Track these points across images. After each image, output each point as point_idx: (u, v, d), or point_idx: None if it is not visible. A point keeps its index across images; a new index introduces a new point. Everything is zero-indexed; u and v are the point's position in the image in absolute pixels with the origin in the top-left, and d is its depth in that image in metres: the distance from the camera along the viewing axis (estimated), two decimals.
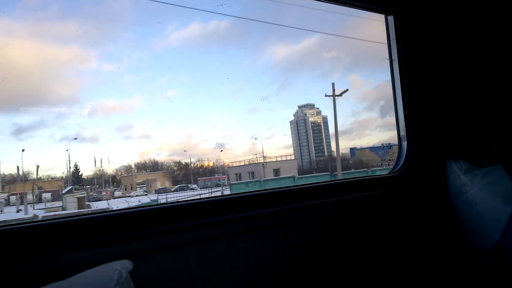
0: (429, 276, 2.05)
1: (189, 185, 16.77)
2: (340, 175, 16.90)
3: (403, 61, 2.15)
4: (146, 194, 15.54)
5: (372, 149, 19.26)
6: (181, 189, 16.13)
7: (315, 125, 21.62)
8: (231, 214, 1.60)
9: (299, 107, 21.96)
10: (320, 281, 1.75)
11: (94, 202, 13.94)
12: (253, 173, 16.60)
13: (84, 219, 1.33)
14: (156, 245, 1.43)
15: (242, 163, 17.03)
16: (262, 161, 16.82)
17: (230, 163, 17.72)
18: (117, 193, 15.57)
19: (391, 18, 2.28)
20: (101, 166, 15.22)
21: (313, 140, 21.26)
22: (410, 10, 2.22)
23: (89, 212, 1.45)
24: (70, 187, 12.87)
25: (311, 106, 21.94)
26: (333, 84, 16.49)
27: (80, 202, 12.45)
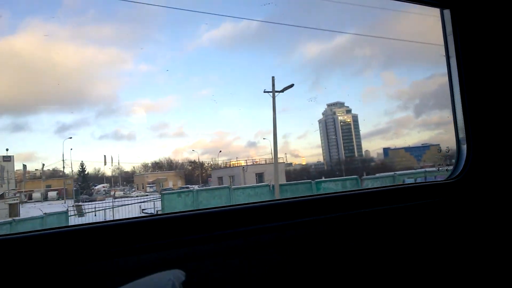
0: None
1: (189, 186, 16.14)
2: (277, 193, 13.65)
3: (462, 58, 2.03)
4: (147, 195, 15.39)
5: (408, 149, 19.10)
6: (181, 189, 15.61)
7: (345, 124, 21.22)
8: (282, 221, 1.56)
9: (328, 105, 21.61)
10: None
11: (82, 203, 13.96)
12: (233, 177, 15.30)
13: (134, 223, 1.35)
14: (208, 251, 1.41)
15: (250, 163, 15.84)
16: (263, 161, 15.24)
17: (227, 164, 16.81)
18: (118, 193, 15.59)
19: (447, 12, 2.16)
20: (118, 165, 15.60)
21: (342, 139, 20.85)
22: (467, 2, 2.09)
23: (138, 217, 1.48)
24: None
25: (341, 104, 21.55)
26: (272, 77, 14.56)
27: (12, 209, 11.61)
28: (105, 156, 14.48)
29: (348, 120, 21.35)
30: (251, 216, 1.53)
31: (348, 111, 21.38)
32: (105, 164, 14.97)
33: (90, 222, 1.37)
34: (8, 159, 11.24)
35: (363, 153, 20.79)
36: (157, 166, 17.61)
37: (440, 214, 1.90)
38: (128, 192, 16.13)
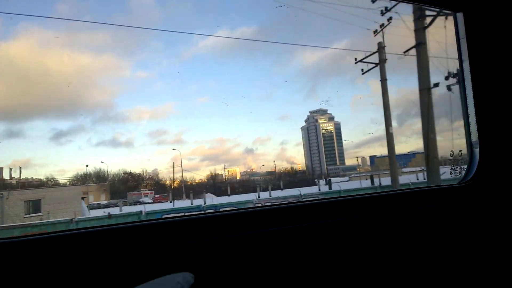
0: None
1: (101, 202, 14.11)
2: None
3: (475, 61, 2.02)
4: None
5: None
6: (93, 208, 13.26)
7: (326, 132, 21.34)
8: (294, 224, 1.56)
9: (311, 112, 21.61)
10: None
11: None
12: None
13: (143, 226, 1.37)
14: (217, 254, 1.41)
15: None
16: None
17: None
18: None
19: (460, 16, 2.09)
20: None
21: (324, 148, 20.95)
22: (481, 6, 2.04)
23: (148, 220, 1.68)
24: None
25: (323, 111, 21.60)
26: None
27: None
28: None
29: (330, 128, 21.47)
30: (261, 219, 1.54)
31: (331, 118, 21.40)
32: None
33: (100, 225, 1.38)
34: None
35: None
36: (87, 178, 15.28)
37: (452, 218, 1.87)
38: None
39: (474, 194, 1.96)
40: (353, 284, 1.63)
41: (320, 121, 21.50)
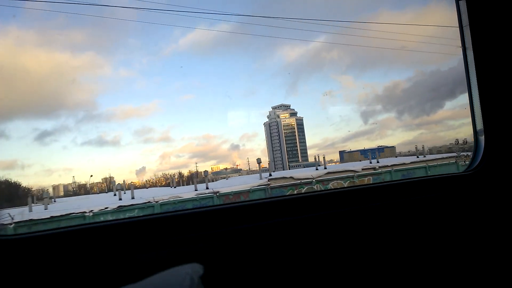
0: None
1: None
2: None
3: (479, 49, 2.03)
4: None
5: (363, 152, 20.08)
6: None
7: (288, 128, 21.40)
8: (302, 215, 1.58)
9: (273, 108, 21.51)
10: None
11: None
12: None
13: (151, 219, 1.40)
14: (226, 245, 1.44)
15: None
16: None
17: None
18: None
19: (463, 4, 2.08)
20: None
21: (286, 144, 21.04)
22: None
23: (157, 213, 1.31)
24: None
25: (285, 107, 21.60)
26: None
27: None
28: None
29: (292, 124, 21.56)
30: (269, 210, 1.56)
31: (293, 114, 21.44)
32: None
33: (109, 220, 1.74)
34: None
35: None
36: None
37: (457, 206, 1.88)
38: None
39: (479, 182, 1.96)
40: (356, 275, 1.64)
41: (282, 117, 21.51)
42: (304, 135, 20.93)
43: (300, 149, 21.00)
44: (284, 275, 1.51)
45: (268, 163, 20.35)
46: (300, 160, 20.64)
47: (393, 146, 19.27)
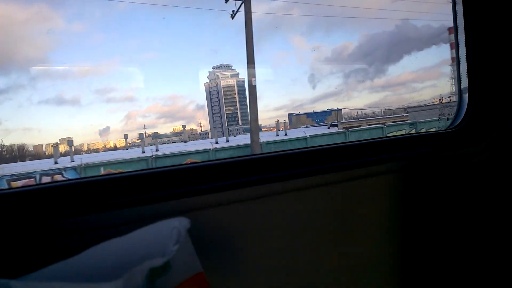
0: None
1: None
2: None
3: (468, 4, 1.95)
4: None
5: (310, 115, 20.31)
6: None
7: (229, 90, 19.33)
8: (296, 169, 1.53)
9: (213, 68, 19.47)
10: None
11: None
12: None
13: (141, 175, 1.39)
14: (213, 201, 1.42)
15: None
16: None
17: None
18: None
19: None
20: None
21: (225, 106, 19.00)
22: None
23: (147, 168, 1.71)
24: None
25: (227, 67, 19.47)
26: None
27: None
28: None
29: (232, 84, 19.45)
30: (258, 166, 1.52)
31: (234, 75, 19.33)
32: None
33: (94, 175, 1.50)
34: None
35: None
36: None
37: (438, 164, 1.89)
38: None
39: (462, 139, 1.98)
40: (340, 235, 1.58)
41: (221, 77, 19.39)
42: (245, 97, 19.02)
43: (241, 112, 18.99)
44: (274, 230, 1.47)
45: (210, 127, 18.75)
46: (240, 124, 18.92)
47: (339, 109, 18.66)
